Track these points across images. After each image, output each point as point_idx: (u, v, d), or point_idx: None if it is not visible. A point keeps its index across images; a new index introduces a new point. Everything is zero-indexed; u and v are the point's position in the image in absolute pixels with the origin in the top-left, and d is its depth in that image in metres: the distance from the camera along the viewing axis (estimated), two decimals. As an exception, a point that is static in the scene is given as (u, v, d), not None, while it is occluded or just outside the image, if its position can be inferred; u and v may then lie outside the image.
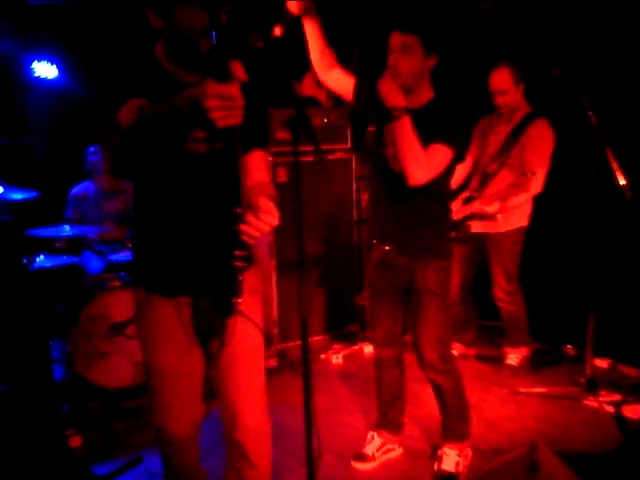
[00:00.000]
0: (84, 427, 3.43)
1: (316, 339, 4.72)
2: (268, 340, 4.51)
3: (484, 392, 3.82)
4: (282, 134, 4.36)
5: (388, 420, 3.16)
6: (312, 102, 4.72)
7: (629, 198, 3.26)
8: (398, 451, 3.19)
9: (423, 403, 3.59)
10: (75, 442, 3.28)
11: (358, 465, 3.11)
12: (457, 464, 2.94)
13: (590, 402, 3.58)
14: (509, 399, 3.72)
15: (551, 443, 2.70)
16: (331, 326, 4.87)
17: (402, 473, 3.06)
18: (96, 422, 3.55)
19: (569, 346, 4.34)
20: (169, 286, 2.08)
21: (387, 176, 2.80)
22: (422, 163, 2.62)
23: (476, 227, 3.87)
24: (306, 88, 4.71)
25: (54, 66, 4.59)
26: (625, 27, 3.93)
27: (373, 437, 3.17)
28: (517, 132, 3.78)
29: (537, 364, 4.21)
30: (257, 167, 2.22)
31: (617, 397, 3.60)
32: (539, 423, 3.40)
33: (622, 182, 3.27)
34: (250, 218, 1.94)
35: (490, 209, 3.66)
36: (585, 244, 3.59)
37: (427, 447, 3.23)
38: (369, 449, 3.13)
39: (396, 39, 2.65)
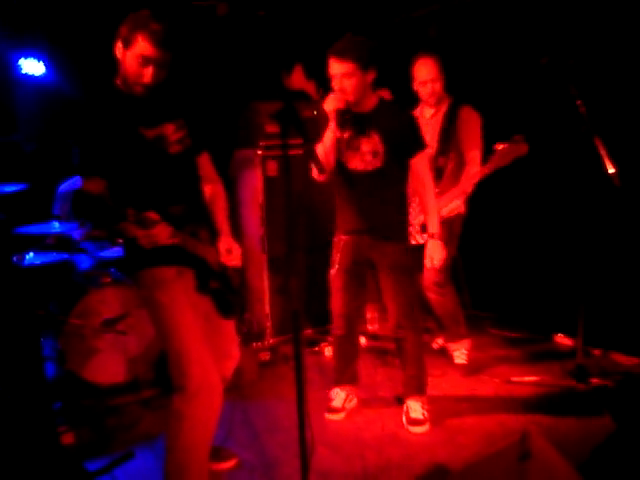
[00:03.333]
0: (77, 424, 3.42)
1: (308, 332, 4.71)
2: (261, 334, 4.51)
3: (476, 382, 3.83)
4: (271, 127, 4.34)
5: (346, 377, 3.56)
6: (301, 95, 4.71)
7: (618, 186, 3.26)
8: (356, 400, 3.62)
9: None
10: (68, 439, 3.27)
11: (332, 417, 3.48)
12: (423, 414, 3.34)
13: (581, 390, 3.59)
14: (501, 388, 3.73)
15: (543, 431, 2.72)
16: (323, 319, 4.85)
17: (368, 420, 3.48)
18: (89, 419, 3.54)
19: (560, 335, 4.36)
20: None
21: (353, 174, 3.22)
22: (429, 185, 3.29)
23: None
24: (295, 81, 4.71)
25: (41, 63, 4.55)
26: (613, 15, 3.94)
27: (337, 392, 3.56)
28: (449, 122, 3.81)
29: (529, 353, 4.22)
30: (206, 165, 2.76)
31: (609, 385, 3.61)
32: (531, 411, 3.41)
33: (611, 170, 3.28)
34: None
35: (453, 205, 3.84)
36: (575, 233, 3.60)
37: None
38: (337, 402, 3.53)
39: (335, 67, 2.98)
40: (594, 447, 2.53)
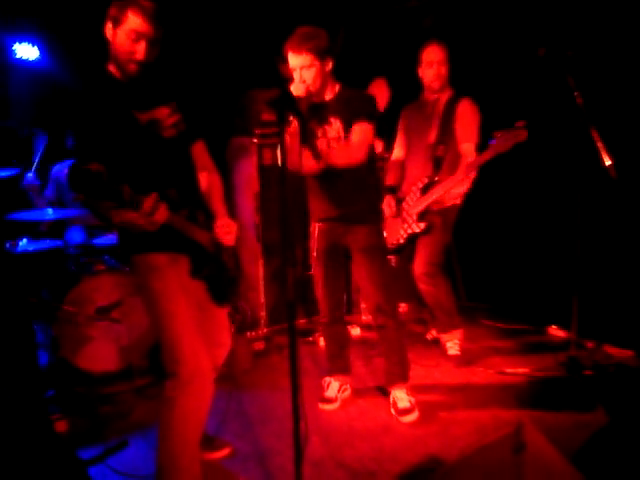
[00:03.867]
0: (70, 411, 3.42)
1: (302, 322, 4.71)
2: (255, 323, 4.50)
3: (470, 373, 3.83)
4: (267, 116, 4.32)
5: (339, 366, 3.58)
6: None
7: (614, 178, 3.26)
8: (349, 390, 3.61)
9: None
10: (61, 427, 3.27)
11: (325, 407, 3.48)
12: (410, 401, 3.38)
13: (575, 381, 3.60)
14: (494, 379, 3.74)
15: (537, 423, 2.73)
16: (317, 308, 4.85)
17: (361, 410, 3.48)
18: (82, 406, 3.53)
19: (554, 326, 4.37)
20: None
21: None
22: (352, 153, 3.12)
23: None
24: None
25: (35, 47, 4.51)
26: (610, 6, 3.92)
27: (330, 382, 3.58)
28: (449, 112, 3.84)
29: (522, 344, 4.24)
30: (202, 153, 2.75)
31: (602, 376, 3.62)
32: (524, 403, 3.42)
33: (608, 162, 3.27)
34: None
35: (449, 201, 3.87)
36: (570, 224, 3.60)
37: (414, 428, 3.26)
38: (330, 393, 3.54)
39: (293, 59, 3.04)
40: (587, 438, 2.54)
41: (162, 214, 2.29)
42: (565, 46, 3.47)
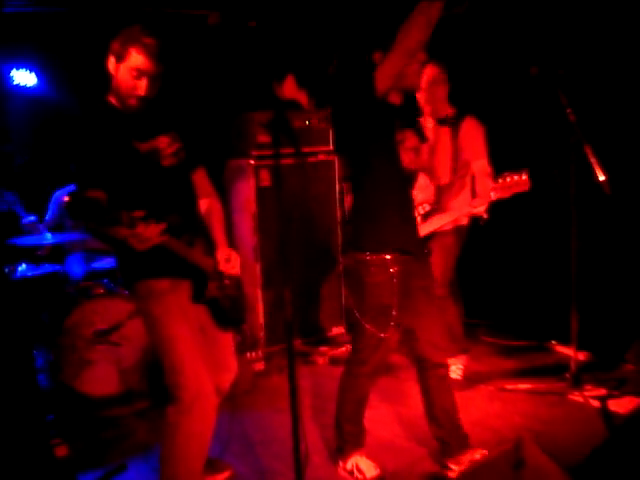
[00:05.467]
0: (70, 436, 3.41)
1: (302, 342, 4.72)
2: (254, 343, 4.50)
3: (471, 390, 3.83)
4: (264, 137, 4.35)
5: (362, 432, 3.04)
6: (293, 104, 4.72)
7: (608, 194, 3.28)
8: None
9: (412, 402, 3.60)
10: (61, 451, 3.25)
11: None
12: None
13: (576, 397, 3.60)
14: (495, 396, 3.74)
15: (537, 439, 2.72)
16: (317, 328, 4.86)
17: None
18: (82, 431, 3.52)
19: (553, 342, 4.37)
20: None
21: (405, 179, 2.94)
22: None
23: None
24: (287, 90, 4.71)
25: (33, 74, 4.55)
26: (601, 24, 3.98)
27: (357, 464, 2.95)
28: (452, 134, 3.69)
29: (523, 361, 4.23)
30: (203, 180, 2.78)
31: (602, 392, 3.62)
32: (525, 419, 3.42)
33: (602, 178, 3.30)
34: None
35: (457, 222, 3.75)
36: (566, 240, 3.62)
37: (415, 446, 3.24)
38: (372, 472, 2.92)
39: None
40: (587, 454, 2.54)
41: (152, 231, 2.29)
42: (557, 65, 3.51)
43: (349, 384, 2.98)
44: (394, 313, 2.73)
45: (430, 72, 3.75)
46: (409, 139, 2.99)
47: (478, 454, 2.91)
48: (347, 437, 2.99)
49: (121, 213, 2.19)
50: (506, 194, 3.37)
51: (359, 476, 2.92)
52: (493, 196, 3.39)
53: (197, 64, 4.63)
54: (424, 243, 3.18)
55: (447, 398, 2.96)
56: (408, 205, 2.88)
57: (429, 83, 3.75)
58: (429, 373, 2.94)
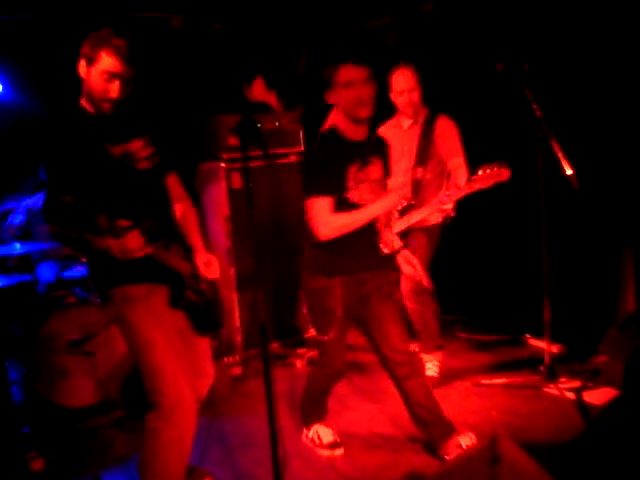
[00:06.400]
0: (46, 449, 3.36)
1: (280, 344, 4.70)
2: (231, 348, 4.48)
3: (447, 387, 3.85)
4: (234, 140, 4.33)
5: (323, 410, 3.36)
6: (263, 106, 4.70)
7: (576, 188, 3.32)
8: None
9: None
10: (37, 464, 3.22)
11: (336, 452, 3.23)
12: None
13: (551, 390, 3.64)
14: (471, 391, 3.77)
15: (514, 433, 2.75)
16: (294, 330, 4.85)
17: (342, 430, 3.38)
18: (59, 443, 3.48)
19: (527, 335, 4.41)
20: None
21: None
22: None
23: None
24: (256, 92, 4.69)
25: (-2, 82, 4.48)
26: (566, 19, 4.02)
27: (317, 431, 3.31)
28: (427, 132, 3.82)
29: (498, 355, 4.27)
30: (175, 185, 2.78)
31: (577, 383, 3.67)
32: (502, 414, 3.45)
33: (569, 172, 3.34)
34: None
35: (433, 219, 3.79)
36: (536, 234, 3.65)
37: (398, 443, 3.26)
38: (328, 438, 3.28)
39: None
40: (563, 445, 2.57)
41: (136, 242, 2.30)
42: (521, 60, 3.55)
43: (313, 379, 3.33)
44: (337, 316, 2.96)
45: (402, 78, 3.80)
46: (373, 172, 2.95)
47: (466, 438, 3.01)
48: (311, 413, 3.35)
49: (97, 217, 2.17)
50: (488, 183, 3.41)
51: (317, 442, 3.28)
52: (476, 187, 3.42)
53: (164, 68, 4.60)
54: (383, 257, 3.14)
55: (420, 392, 3.07)
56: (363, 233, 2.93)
57: (402, 86, 3.80)
58: (396, 373, 3.06)
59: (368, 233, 2.99)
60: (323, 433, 3.30)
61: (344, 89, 2.82)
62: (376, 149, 3.00)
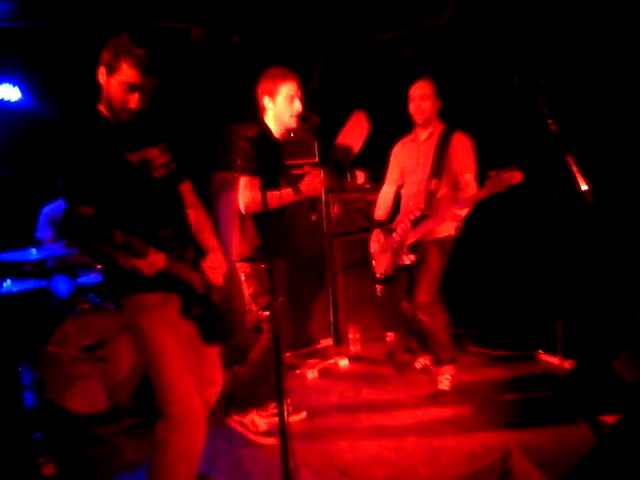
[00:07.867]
0: (57, 454, 3.37)
1: (291, 354, 4.70)
2: (242, 357, 4.47)
3: (459, 401, 3.83)
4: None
5: (262, 397, 3.58)
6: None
7: (591, 202, 3.30)
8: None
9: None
10: (48, 470, 3.22)
11: (267, 441, 3.45)
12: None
13: (562, 405, 3.61)
14: (483, 406, 3.75)
15: (526, 450, 2.73)
16: (305, 341, 4.86)
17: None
18: (70, 449, 3.49)
19: (540, 351, 4.38)
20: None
21: None
22: None
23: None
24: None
25: (17, 88, 4.54)
26: (582, 34, 4.02)
27: (253, 419, 3.56)
28: (443, 146, 3.87)
29: (510, 370, 4.25)
30: (189, 192, 2.79)
31: (588, 400, 3.63)
32: (513, 430, 3.42)
33: (584, 187, 3.32)
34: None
35: (445, 231, 3.83)
36: (551, 249, 3.63)
37: (404, 457, 3.24)
38: (263, 427, 3.53)
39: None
40: (575, 464, 2.54)
41: (160, 259, 2.33)
42: (538, 75, 3.55)
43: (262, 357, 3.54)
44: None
45: (418, 87, 3.87)
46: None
47: None
48: (255, 397, 3.58)
49: (114, 232, 2.17)
50: (502, 187, 3.44)
51: (252, 429, 3.53)
52: (490, 190, 3.46)
53: (181, 78, 4.64)
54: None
55: None
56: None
57: (416, 92, 3.88)
58: None
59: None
60: (260, 423, 3.54)
61: None
62: None
